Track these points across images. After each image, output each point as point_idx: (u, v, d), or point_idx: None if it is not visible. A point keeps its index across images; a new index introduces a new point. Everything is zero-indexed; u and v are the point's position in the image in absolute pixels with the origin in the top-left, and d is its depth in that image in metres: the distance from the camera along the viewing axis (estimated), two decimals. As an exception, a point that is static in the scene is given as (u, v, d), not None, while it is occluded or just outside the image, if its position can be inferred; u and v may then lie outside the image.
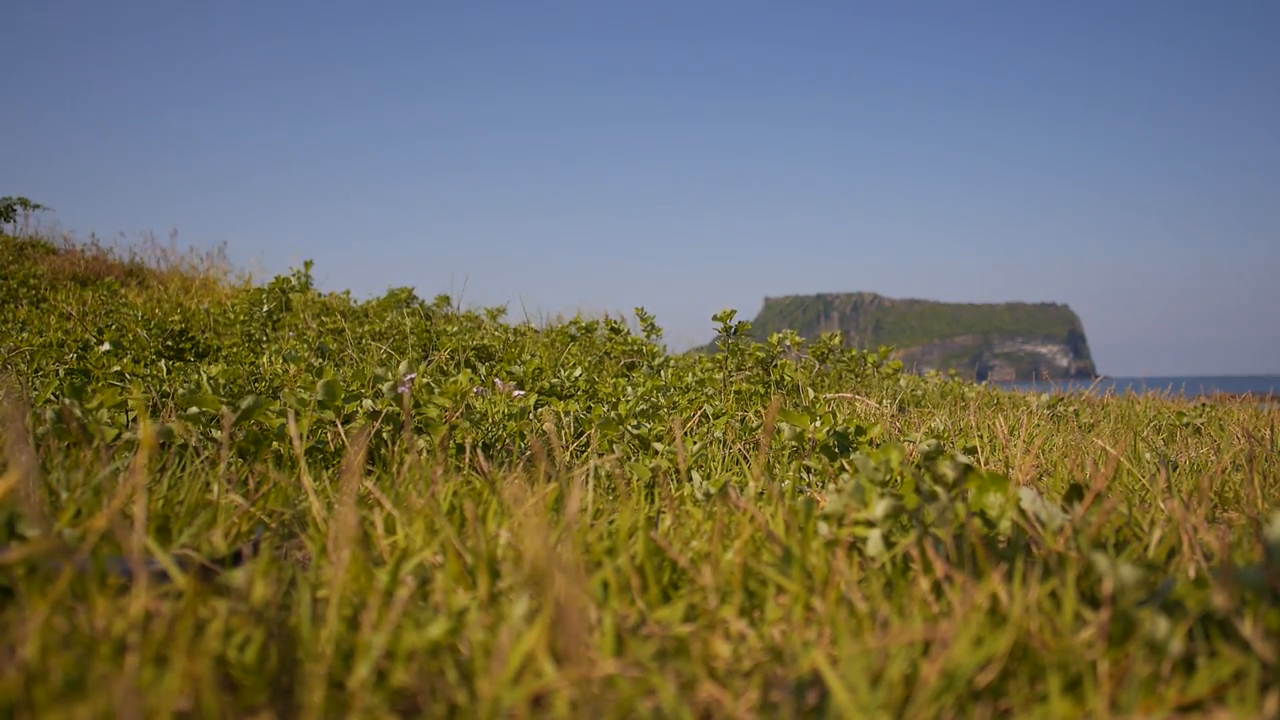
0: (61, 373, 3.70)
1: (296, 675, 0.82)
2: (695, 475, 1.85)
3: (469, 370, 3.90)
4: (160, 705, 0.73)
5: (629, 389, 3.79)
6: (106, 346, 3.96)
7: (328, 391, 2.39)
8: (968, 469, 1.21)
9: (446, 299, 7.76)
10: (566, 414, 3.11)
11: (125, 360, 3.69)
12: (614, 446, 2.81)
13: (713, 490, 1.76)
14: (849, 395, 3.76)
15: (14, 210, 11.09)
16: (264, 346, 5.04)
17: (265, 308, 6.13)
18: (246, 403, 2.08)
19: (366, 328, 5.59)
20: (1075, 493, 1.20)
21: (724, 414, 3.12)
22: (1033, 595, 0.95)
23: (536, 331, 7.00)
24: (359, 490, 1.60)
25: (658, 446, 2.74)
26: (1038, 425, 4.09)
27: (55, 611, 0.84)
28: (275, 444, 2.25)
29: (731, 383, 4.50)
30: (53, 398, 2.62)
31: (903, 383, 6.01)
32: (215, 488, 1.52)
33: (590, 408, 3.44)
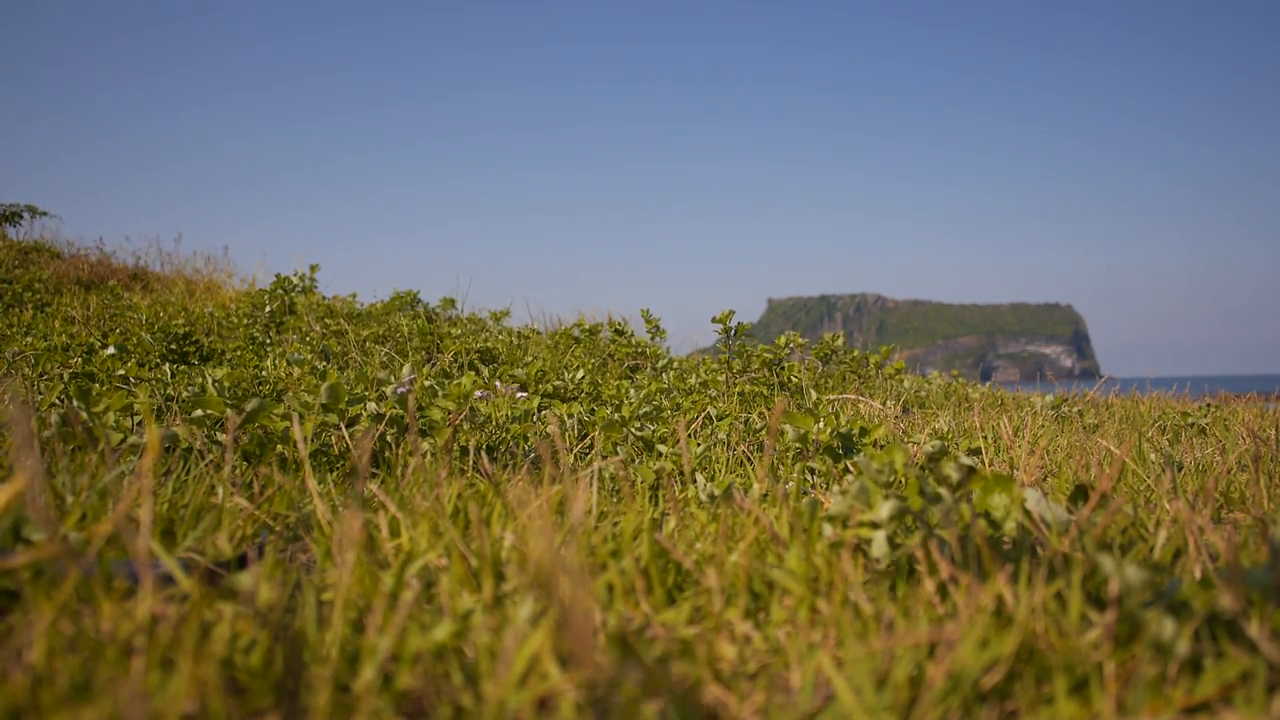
0: (66, 376, 3.70)
1: (302, 678, 0.82)
2: (699, 477, 1.85)
3: (472, 373, 3.90)
4: (166, 708, 0.73)
5: (632, 391, 3.79)
6: (111, 350, 3.97)
7: (332, 394, 2.39)
8: (972, 470, 1.21)
9: (451, 301, 7.77)
10: (570, 416, 3.11)
11: (130, 364, 3.70)
12: (618, 449, 2.81)
13: (717, 492, 1.76)
14: (852, 396, 3.76)
15: (20, 216, 11.12)
16: (268, 349, 5.05)
17: (267, 310, 6.13)
18: (251, 406, 2.08)
19: (370, 330, 5.59)
20: (1080, 493, 1.20)
21: (728, 416, 3.12)
22: (1038, 596, 0.95)
23: (540, 334, 7.00)
24: (363, 493, 1.60)
25: (662, 449, 2.74)
26: (1042, 426, 4.08)
27: (61, 615, 0.84)
28: (280, 447, 2.26)
29: (735, 384, 4.50)
30: (58, 401, 2.63)
31: (906, 384, 6.00)
32: (220, 491, 1.53)
33: (594, 410, 3.44)
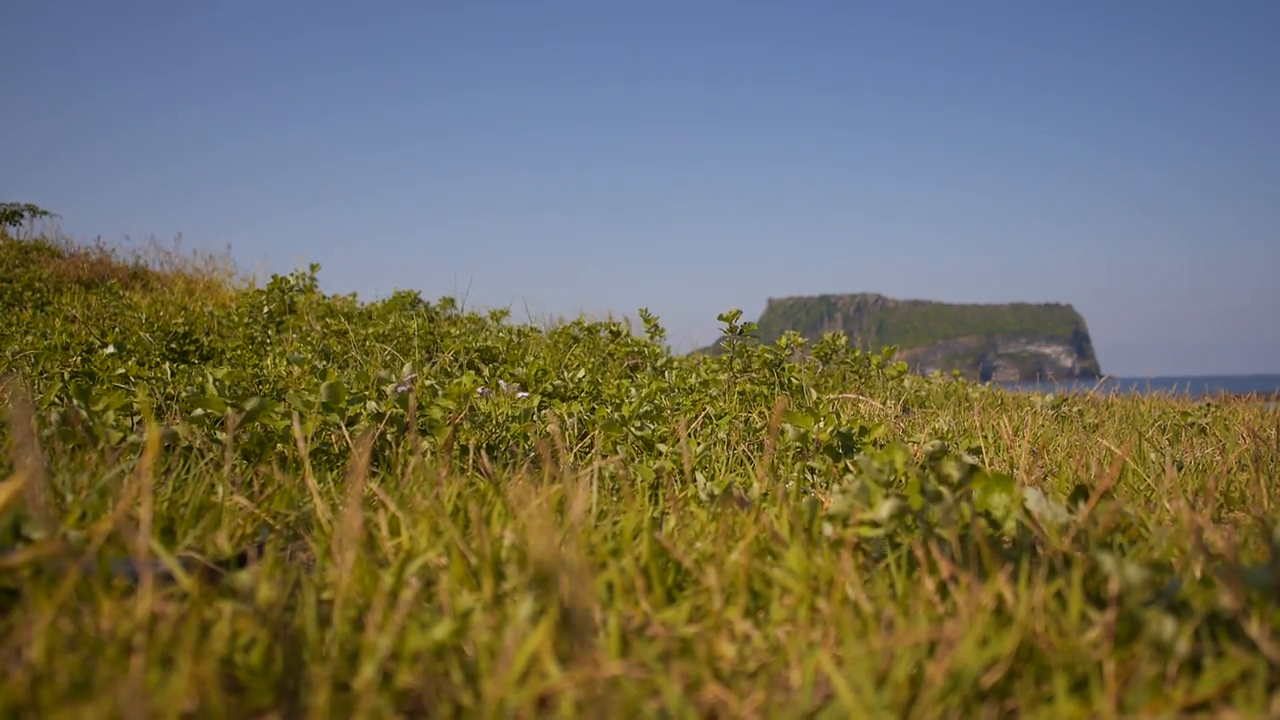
0: (66, 375, 3.70)
1: (302, 677, 0.82)
2: (699, 476, 1.85)
3: (473, 372, 3.90)
4: (166, 707, 0.73)
5: (632, 390, 3.79)
6: (110, 349, 3.97)
7: (332, 394, 2.39)
8: (972, 469, 1.20)
9: (451, 301, 7.77)
10: (570, 415, 3.11)
11: (129, 363, 3.70)
12: (618, 448, 2.81)
13: (717, 491, 1.76)
14: (853, 396, 3.76)
15: (20, 215, 11.13)
16: (268, 349, 5.05)
17: (267, 309, 6.14)
18: (251, 404, 2.08)
19: (370, 330, 5.59)
20: (1080, 493, 1.20)
21: (728, 415, 3.12)
22: (1038, 595, 0.95)
23: (540, 333, 7.00)
24: (363, 492, 1.60)
25: (662, 448, 2.74)
26: (1042, 425, 4.08)
27: (61, 613, 0.84)
28: (280, 446, 2.26)
29: (735, 384, 4.50)
30: (58, 400, 2.63)
31: (907, 384, 6.00)
32: (220, 490, 1.53)
33: (594, 409, 3.44)
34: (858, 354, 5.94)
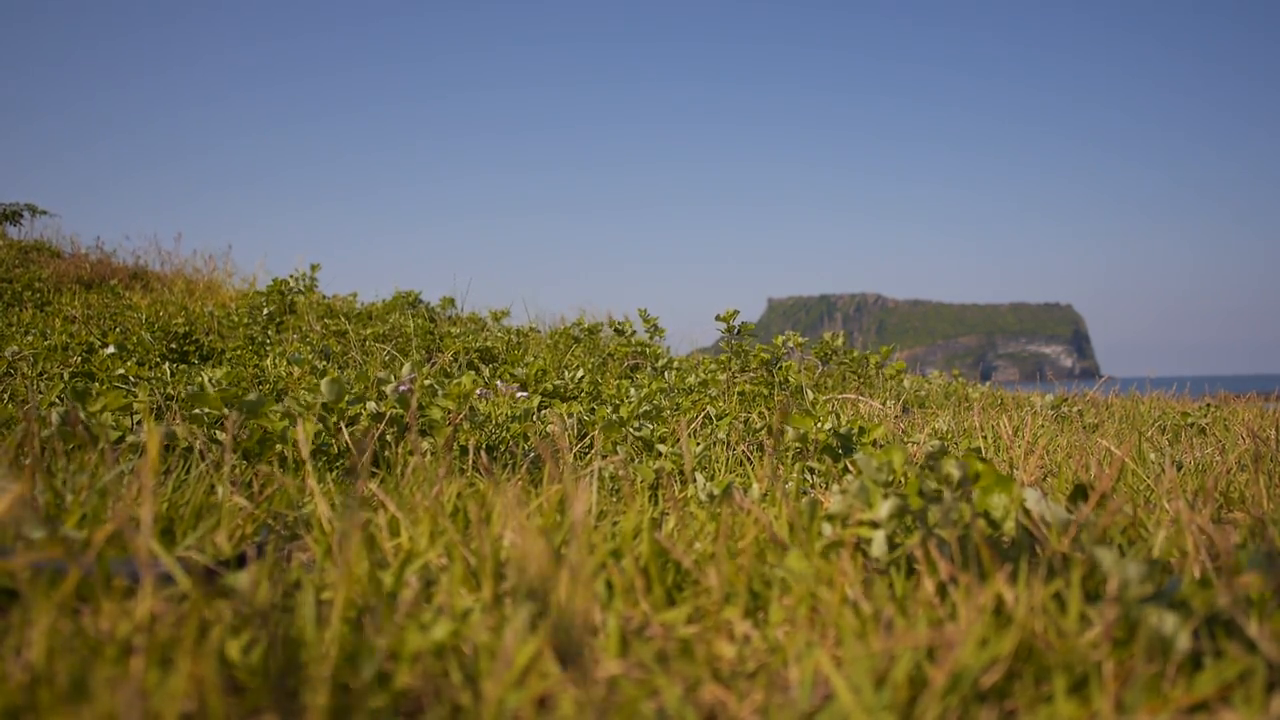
0: (66, 376, 3.70)
1: (301, 677, 0.82)
2: (699, 477, 1.85)
3: (472, 372, 3.90)
4: (165, 708, 0.73)
5: (632, 391, 3.79)
6: (110, 349, 3.97)
7: (332, 394, 2.39)
8: (983, 464, 1.20)
9: (451, 301, 7.76)
10: (570, 416, 3.11)
11: (129, 363, 3.70)
12: (618, 448, 2.81)
13: (717, 492, 1.76)
14: (852, 396, 3.76)
15: (20, 215, 11.13)
16: (268, 349, 5.05)
17: (267, 310, 6.13)
18: (250, 398, 2.08)
19: (370, 330, 5.59)
20: (1080, 493, 1.20)
21: (727, 415, 3.12)
22: (1038, 596, 0.95)
23: (539, 333, 7.00)
24: (363, 492, 1.60)
25: (661, 448, 2.74)
26: (1042, 426, 4.08)
27: (61, 614, 0.84)
28: (279, 446, 2.26)
29: (735, 384, 4.50)
30: (57, 401, 2.63)
31: (906, 384, 6.00)
32: (220, 490, 1.53)
33: (594, 409, 3.44)
34: (856, 354, 5.94)
